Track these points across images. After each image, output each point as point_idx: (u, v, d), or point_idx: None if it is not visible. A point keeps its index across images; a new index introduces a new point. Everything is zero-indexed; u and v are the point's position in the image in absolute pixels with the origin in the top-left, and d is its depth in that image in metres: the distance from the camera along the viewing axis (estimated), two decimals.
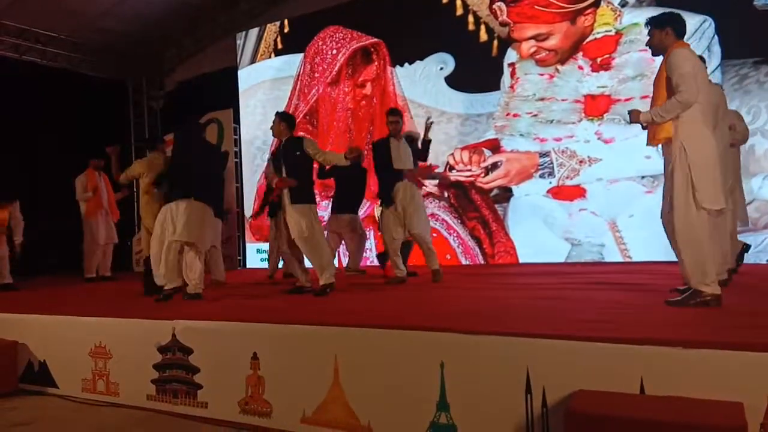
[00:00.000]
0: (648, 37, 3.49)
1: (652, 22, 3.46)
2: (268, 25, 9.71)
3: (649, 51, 3.58)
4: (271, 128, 4.98)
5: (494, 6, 7.66)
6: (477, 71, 7.82)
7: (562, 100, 7.26)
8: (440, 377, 2.78)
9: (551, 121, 7.32)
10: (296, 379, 3.23)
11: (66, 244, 8.72)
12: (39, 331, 4.44)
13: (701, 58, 3.67)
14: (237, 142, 9.98)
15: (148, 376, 3.79)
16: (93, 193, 7.60)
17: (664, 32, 3.38)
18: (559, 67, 7.29)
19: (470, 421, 2.71)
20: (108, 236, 7.81)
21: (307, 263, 4.96)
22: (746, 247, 4.84)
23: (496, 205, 7.67)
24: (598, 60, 7.04)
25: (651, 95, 3.53)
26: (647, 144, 3.49)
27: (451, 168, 7.91)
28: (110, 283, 7.54)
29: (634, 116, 3.42)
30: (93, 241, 7.66)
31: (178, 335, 3.69)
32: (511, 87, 7.61)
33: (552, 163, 7.30)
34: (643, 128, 3.48)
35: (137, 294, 5.40)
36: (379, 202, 5.72)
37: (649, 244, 6.49)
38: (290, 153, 4.76)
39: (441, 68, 8.12)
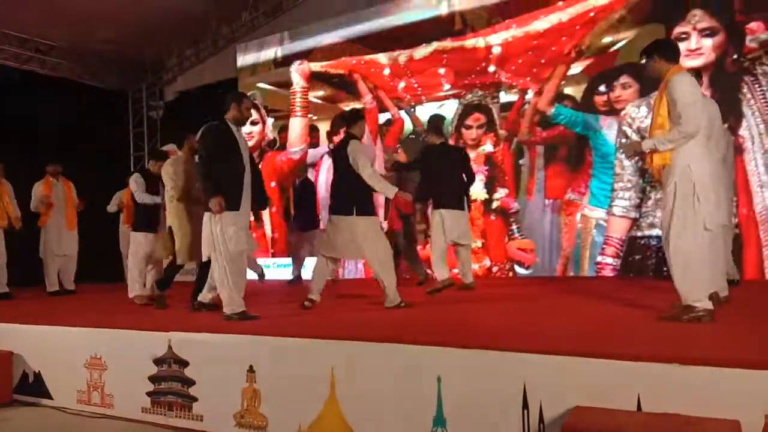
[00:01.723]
0: (646, 66, 3.60)
1: (645, 52, 3.59)
2: (268, 37, 9.77)
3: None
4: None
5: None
6: None
7: None
8: (437, 392, 2.77)
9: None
10: (292, 392, 3.21)
11: None
12: (34, 341, 4.42)
13: (696, 71, 3.74)
14: None
15: (143, 388, 3.77)
16: (47, 208, 7.13)
17: (654, 61, 3.49)
18: None
19: None
20: (62, 248, 7.27)
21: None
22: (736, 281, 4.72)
23: (493, 217, 7.69)
24: None
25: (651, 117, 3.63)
26: (648, 166, 3.58)
27: None
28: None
29: (628, 149, 3.51)
30: (47, 252, 7.23)
31: (174, 347, 3.67)
32: None
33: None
34: (637, 155, 3.54)
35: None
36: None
37: (645, 261, 6.54)
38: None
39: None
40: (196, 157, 4.61)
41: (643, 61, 3.61)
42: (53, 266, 7.32)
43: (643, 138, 3.66)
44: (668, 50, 3.52)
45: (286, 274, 8.21)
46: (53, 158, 7.51)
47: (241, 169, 4.17)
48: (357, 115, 4.76)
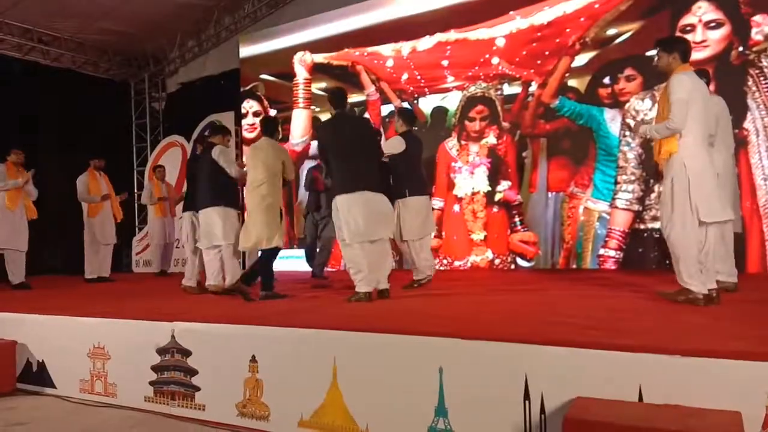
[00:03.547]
0: (657, 58, 3.70)
1: (661, 45, 3.68)
2: (271, 29, 9.74)
3: None
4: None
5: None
6: None
7: None
8: (439, 382, 2.77)
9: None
10: (294, 382, 3.22)
11: (67, 245, 8.72)
12: (38, 331, 4.44)
13: (705, 72, 3.83)
14: (238, 145, 10.01)
15: (146, 377, 3.79)
16: (101, 198, 7.60)
17: (672, 56, 3.61)
18: None
19: (468, 427, 2.70)
20: (107, 237, 7.78)
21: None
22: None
23: (496, 210, 7.68)
24: None
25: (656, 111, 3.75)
26: (655, 158, 3.75)
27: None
28: (109, 283, 7.54)
29: (635, 128, 3.67)
30: (94, 241, 7.65)
31: (177, 337, 3.69)
32: None
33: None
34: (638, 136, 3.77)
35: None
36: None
37: (647, 253, 6.54)
38: None
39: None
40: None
41: (656, 52, 3.69)
42: (97, 255, 7.69)
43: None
44: (687, 49, 3.65)
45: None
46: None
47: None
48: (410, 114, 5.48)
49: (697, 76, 3.68)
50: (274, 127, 5.21)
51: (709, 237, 3.53)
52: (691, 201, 3.43)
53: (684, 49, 3.66)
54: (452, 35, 7.99)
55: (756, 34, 6.19)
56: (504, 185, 7.64)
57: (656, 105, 3.82)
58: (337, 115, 4.68)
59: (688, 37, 6.33)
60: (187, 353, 3.64)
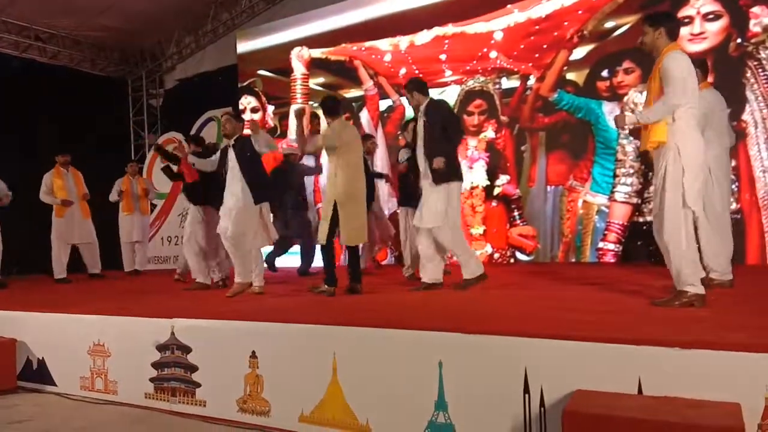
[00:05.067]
0: (643, 34, 3.45)
1: (647, 20, 3.45)
2: (268, 24, 9.71)
3: None
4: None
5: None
6: None
7: None
8: (438, 376, 2.78)
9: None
10: (295, 377, 3.23)
11: None
12: (38, 328, 4.44)
13: (704, 62, 3.67)
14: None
15: (146, 374, 3.79)
16: (61, 201, 7.31)
17: (658, 32, 3.36)
18: None
19: (468, 421, 2.71)
20: (81, 235, 7.51)
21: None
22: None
23: (495, 204, 7.68)
24: None
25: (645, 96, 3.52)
26: (641, 149, 3.51)
27: None
28: (102, 281, 7.45)
29: (619, 121, 3.45)
30: (58, 240, 7.38)
31: (177, 333, 3.69)
32: None
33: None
34: (622, 129, 3.48)
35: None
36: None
37: (646, 246, 6.54)
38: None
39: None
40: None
41: (643, 27, 3.44)
42: (63, 255, 7.44)
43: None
44: (674, 27, 3.43)
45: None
46: (61, 149, 7.59)
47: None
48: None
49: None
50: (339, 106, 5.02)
51: (699, 228, 3.38)
52: (683, 188, 3.17)
53: (671, 25, 3.39)
54: (450, 29, 7.97)
55: (754, 26, 6.18)
56: (503, 179, 7.64)
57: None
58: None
59: (686, 29, 6.32)
60: (187, 350, 3.64)
